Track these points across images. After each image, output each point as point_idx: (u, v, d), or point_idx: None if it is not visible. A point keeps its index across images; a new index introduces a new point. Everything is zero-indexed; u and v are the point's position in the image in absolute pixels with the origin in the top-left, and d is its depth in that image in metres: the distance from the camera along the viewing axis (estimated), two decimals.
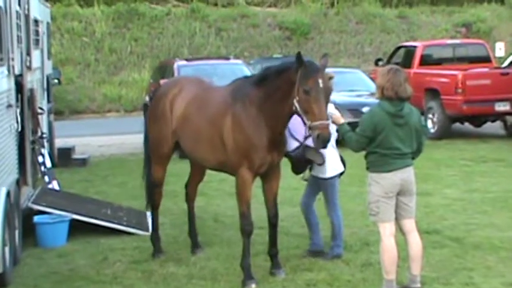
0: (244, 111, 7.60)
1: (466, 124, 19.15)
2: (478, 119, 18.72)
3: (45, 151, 11.67)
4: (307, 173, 8.40)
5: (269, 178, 7.88)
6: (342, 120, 7.45)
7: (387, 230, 7.02)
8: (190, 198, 9.12)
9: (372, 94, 18.66)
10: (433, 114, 18.50)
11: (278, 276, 7.76)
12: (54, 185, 11.56)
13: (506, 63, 19.82)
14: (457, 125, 19.03)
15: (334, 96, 15.57)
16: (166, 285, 7.68)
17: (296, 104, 7.21)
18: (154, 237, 8.86)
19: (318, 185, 8.48)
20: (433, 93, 18.56)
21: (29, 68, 10.92)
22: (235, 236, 9.31)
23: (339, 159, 8.44)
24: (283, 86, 7.38)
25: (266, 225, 8.14)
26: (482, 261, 8.16)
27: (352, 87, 18.56)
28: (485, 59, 20.21)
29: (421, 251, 7.21)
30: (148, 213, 10.75)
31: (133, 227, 9.86)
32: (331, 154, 8.28)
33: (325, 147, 7.32)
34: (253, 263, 7.80)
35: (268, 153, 7.61)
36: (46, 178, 11.51)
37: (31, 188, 10.63)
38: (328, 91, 7.33)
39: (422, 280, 7.42)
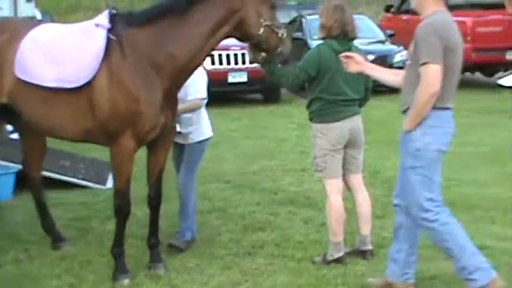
0: (125, 62, 5.81)
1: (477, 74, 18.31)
2: (489, 68, 17.80)
3: None
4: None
5: (156, 148, 6.19)
6: None
7: (334, 187, 6.30)
8: (34, 183, 7.04)
9: (379, 42, 17.85)
10: None
11: (157, 271, 6.19)
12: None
13: None
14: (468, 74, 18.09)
15: None
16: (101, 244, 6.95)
17: (267, 24, 5.75)
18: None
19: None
20: None
21: None
22: None
23: (208, 123, 6.93)
24: (210, 15, 5.76)
25: None
26: None
27: (359, 34, 17.65)
28: (501, 6, 19.07)
29: (370, 208, 6.53)
30: None
31: (89, 181, 9.16)
32: (200, 117, 6.82)
33: None
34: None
35: (162, 113, 5.93)
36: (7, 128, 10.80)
37: None
38: None
39: (384, 243, 6.69)
